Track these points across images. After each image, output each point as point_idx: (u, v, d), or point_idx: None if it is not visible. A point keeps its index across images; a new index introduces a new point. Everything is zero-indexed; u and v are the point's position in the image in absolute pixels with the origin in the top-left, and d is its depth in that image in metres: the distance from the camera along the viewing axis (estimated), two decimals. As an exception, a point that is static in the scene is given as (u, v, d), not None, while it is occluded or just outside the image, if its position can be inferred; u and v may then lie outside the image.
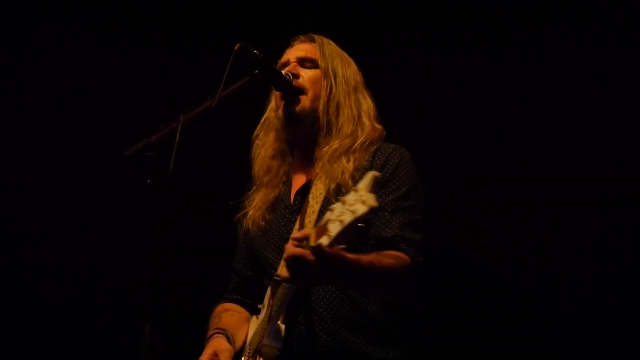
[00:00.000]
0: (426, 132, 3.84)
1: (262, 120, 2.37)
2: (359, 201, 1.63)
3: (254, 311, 2.26)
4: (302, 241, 1.76)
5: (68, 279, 4.13)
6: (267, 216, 2.23)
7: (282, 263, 1.85)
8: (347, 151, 2.16)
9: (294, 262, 1.75)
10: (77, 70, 4.20)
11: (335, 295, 2.07)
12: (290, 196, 2.24)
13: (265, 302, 2.12)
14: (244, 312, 2.32)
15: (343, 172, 2.11)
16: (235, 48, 2.03)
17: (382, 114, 2.38)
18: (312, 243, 1.73)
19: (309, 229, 1.80)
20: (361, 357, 2.03)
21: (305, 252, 1.73)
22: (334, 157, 2.15)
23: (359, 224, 1.64)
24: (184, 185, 1.98)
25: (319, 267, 1.73)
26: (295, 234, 1.81)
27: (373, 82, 2.47)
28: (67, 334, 4.10)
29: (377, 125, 2.25)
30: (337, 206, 1.71)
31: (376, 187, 1.66)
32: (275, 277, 1.94)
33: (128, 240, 3.87)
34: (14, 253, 4.14)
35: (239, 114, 2.48)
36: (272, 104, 2.33)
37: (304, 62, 2.25)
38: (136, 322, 1.87)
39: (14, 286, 4.13)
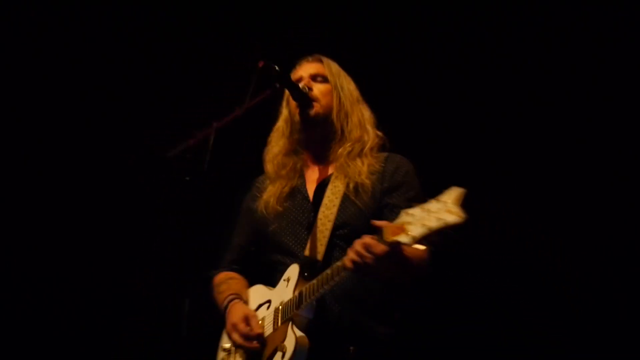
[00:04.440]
0: (425, 130, 4.11)
1: (275, 128, 2.69)
2: (445, 211, 1.81)
3: (250, 282, 2.61)
4: (376, 233, 1.98)
5: (118, 260, 4.57)
6: (285, 204, 2.51)
7: (350, 252, 2.02)
8: (360, 154, 2.49)
9: (367, 252, 1.96)
10: (79, 74, 4.60)
11: (350, 281, 2.29)
12: (306, 188, 2.54)
13: (292, 276, 2.36)
14: (243, 281, 2.62)
15: (360, 174, 2.43)
16: (260, 65, 2.35)
17: (382, 114, 2.76)
18: (388, 239, 1.93)
19: (383, 222, 1.98)
20: (365, 331, 2.35)
21: (379, 245, 1.95)
22: (349, 158, 2.47)
23: (448, 232, 1.83)
24: (215, 181, 2.31)
25: (389, 260, 1.97)
26: (376, 223, 2.01)
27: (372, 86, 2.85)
28: (116, 307, 4.55)
29: (378, 133, 2.63)
30: (416, 212, 1.89)
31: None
32: (350, 259, 2.03)
33: (174, 228, 4.20)
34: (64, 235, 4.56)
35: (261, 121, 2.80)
36: (284, 115, 2.68)
37: (315, 77, 2.60)
38: (177, 299, 2.21)
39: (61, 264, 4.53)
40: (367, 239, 2.01)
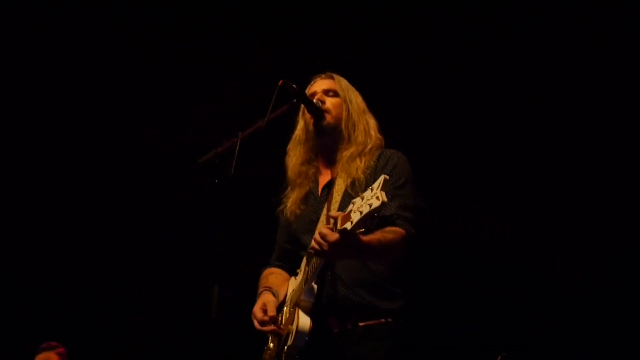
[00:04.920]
0: (425, 130, 4.22)
1: (293, 137, 2.97)
2: (374, 197, 2.14)
3: (292, 274, 2.89)
4: (332, 224, 2.31)
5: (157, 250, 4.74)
6: (302, 206, 2.83)
7: (311, 240, 2.36)
8: (360, 154, 2.75)
9: (323, 240, 2.29)
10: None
11: (353, 263, 2.60)
12: (318, 190, 2.84)
13: (302, 268, 2.69)
14: (284, 274, 2.93)
15: (357, 170, 2.70)
16: (279, 84, 2.61)
17: (382, 113, 2.92)
18: (338, 227, 2.26)
19: (337, 213, 2.33)
20: (371, 308, 2.59)
21: (333, 234, 2.28)
22: (350, 159, 2.75)
23: (375, 214, 2.15)
24: (241, 183, 2.44)
25: (341, 245, 2.28)
26: (332, 213, 2.36)
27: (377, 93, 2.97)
28: (116, 307, 4.70)
29: (379, 136, 2.88)
30: (357, 200, 2.21)
31: (387, 186, 2.16)
32: (309, 251, 2.42)
33: (175, 228, 4.52)
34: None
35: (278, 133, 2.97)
36: (300, 125, 2.96)
37: (327, 92, 2.86)
38: (207, 285, 2.41)
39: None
40: (324, 229, 2.33)
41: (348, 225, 2.21)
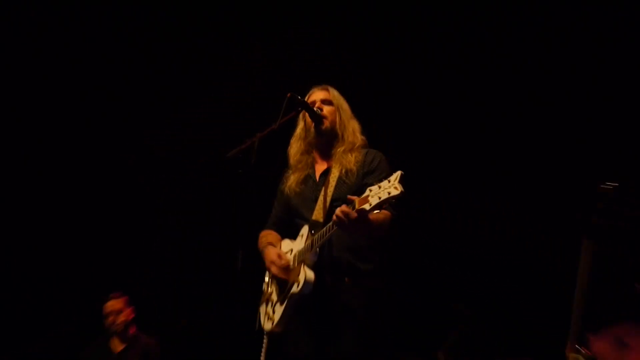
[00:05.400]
0: (426, 130, 4.29)
1: (294, 134, 3.64)
2: (393, 187, 2.68)
3: (283, 237, 3.53)
4: (350, 204, 2.88)
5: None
6: (301, 186, 3.50)
7: (334, 215, 2.94)
8: (351, 150, 3.45)
9: (344, 216, 2.87)
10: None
11: (342, 233, 3.13)
12: (315, 176, 3.52)
13: (304, 233, 3.33)
14: (278, 236, 3.63)
15: (349, 162, 3.39)
16: (288, 96, 3.21)
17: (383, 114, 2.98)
18: (357, 207, 2.82)
19: (355, 197, 2.89)
20: (353, 268, 3.25)
21: (353, 212, 2.87)
22: (344, 153, 3.44)
23: (393, 200, 2.68)
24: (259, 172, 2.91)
25: (357, 221, 2.86)
26: (351, 196, 2.92)
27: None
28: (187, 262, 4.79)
29: (363, 137, 3.53)
30: (374, 188, 2.76)
31: (401, 180, 2.69)
32: (334, 219, 2.95)
33: (175, 228, 4.60)
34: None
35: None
36: (301, 125, 3.62)
37: (324, 101, 3.53)
38: (233, 251, 2.81)
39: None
40: (344, 207, 2.93)
41: (366, 207, 2.78)
